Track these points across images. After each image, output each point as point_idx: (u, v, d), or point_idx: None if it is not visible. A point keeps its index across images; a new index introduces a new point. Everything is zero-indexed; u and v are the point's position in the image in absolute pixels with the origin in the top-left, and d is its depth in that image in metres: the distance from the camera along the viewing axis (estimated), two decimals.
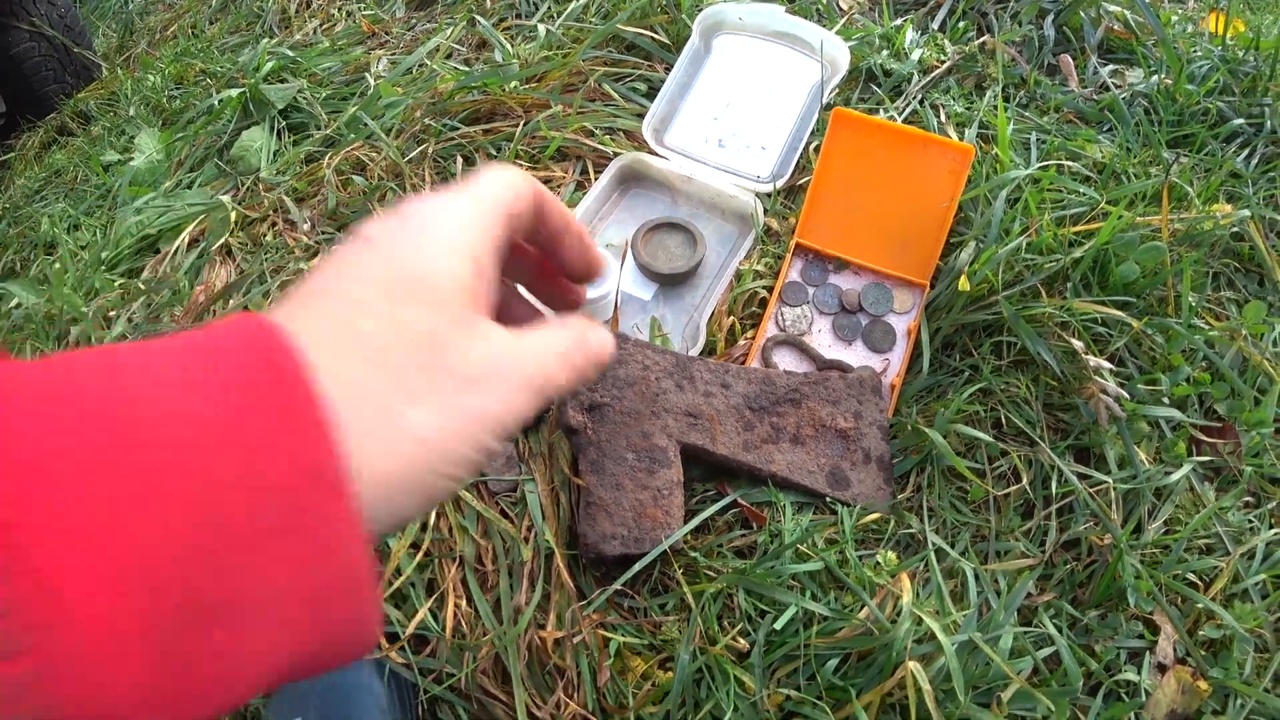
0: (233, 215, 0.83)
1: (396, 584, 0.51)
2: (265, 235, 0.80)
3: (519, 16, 0.88)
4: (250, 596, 0.17)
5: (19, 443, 0.15)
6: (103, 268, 0.90)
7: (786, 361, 0.57)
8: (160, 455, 0.16)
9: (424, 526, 0.52)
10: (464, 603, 0.51)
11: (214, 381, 0.18)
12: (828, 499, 0.52)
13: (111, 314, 0.82)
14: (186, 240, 0.85)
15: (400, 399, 0.20)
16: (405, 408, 0.20)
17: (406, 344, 0.21)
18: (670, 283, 0.61)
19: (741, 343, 0.58)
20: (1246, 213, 0.62)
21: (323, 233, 0.75)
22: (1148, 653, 0.49)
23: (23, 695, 0.14)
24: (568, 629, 0.48)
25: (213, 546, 0.17)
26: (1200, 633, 0.49)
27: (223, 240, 0.82)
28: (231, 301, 0.73)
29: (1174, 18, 0.84)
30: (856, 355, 0.58)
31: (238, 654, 0.17)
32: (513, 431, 0.23)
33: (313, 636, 0.19)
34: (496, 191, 0.25)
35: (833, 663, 0.46)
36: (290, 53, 1.00)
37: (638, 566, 0.49)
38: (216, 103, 1.02)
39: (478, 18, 0.87)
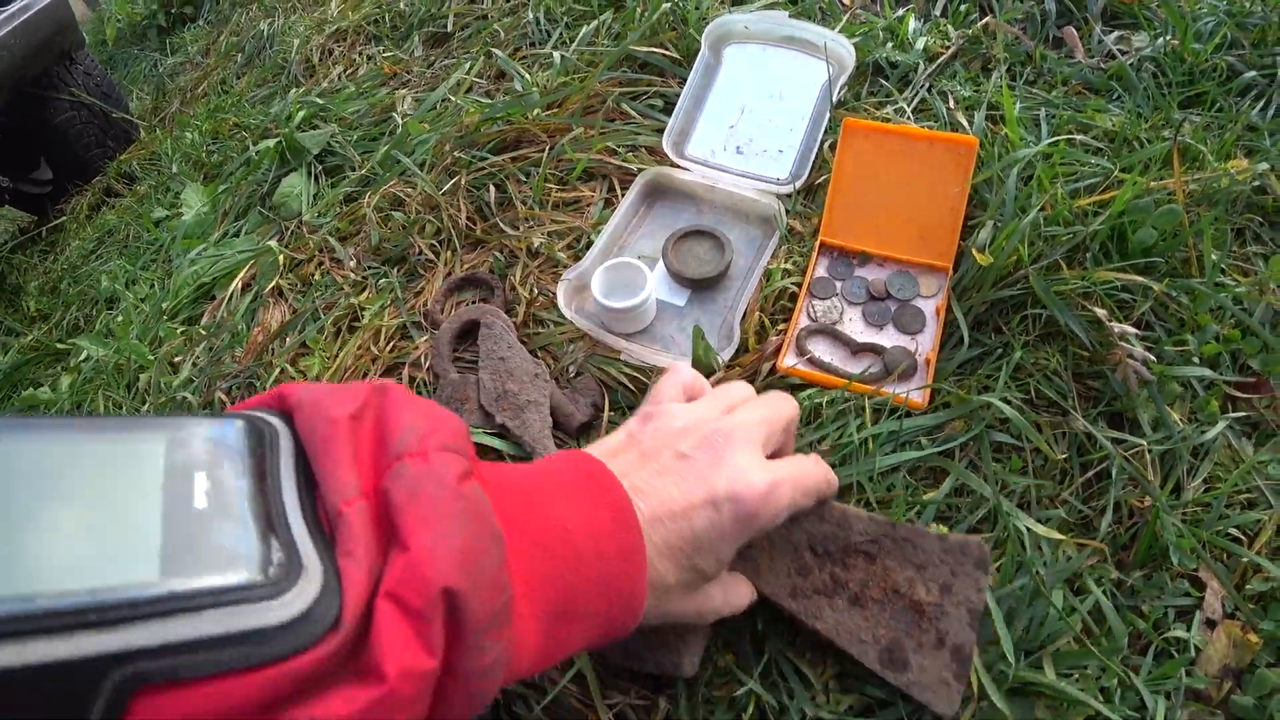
0: (281, 258, 0.88)
1: None
2: (314, 275, 0.85)
3: (533, 45, 0.92)
4: (582, 611, 0.32)
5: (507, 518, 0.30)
6: (164, 317, 0.96)
7: (821, 349, 0.60)
8: (557, 544, 0.31)
9: None
10: None
11: (586, 504, 0.33)
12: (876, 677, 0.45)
13: (177, 360, 0.88)
14: (240, 285, 0.91)
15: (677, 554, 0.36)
16: (668, 590, 0.36)
17: (680, 588, 0.37)
18: (702, 287, 0.64)
19: (773, 337, 0.60)
20: (1265, 165, 0.63)
21: (369, 267, 0.79)
22: (1197, 611, 0.50)
23: (499, 667, 0.28)
24: None
25: (574, 586, 0.31)
26: (1248, 587, 0.50)
27: (274, 283, 0.87)
28: (289, 339, 0.78)
29: None
30: (888, 338, 0.60)
31: (572, 636, 0.32)
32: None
33: (602, 634, 0.34)
34: (810, 496, 0.42)
35: None
36: (319, 100, 1.05)
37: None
38: (254, 154, 1.07)
39: (494, 50, 0.91)
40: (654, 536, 0.34)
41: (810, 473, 0.41)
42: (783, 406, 0.43)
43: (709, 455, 0.37)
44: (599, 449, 0.39)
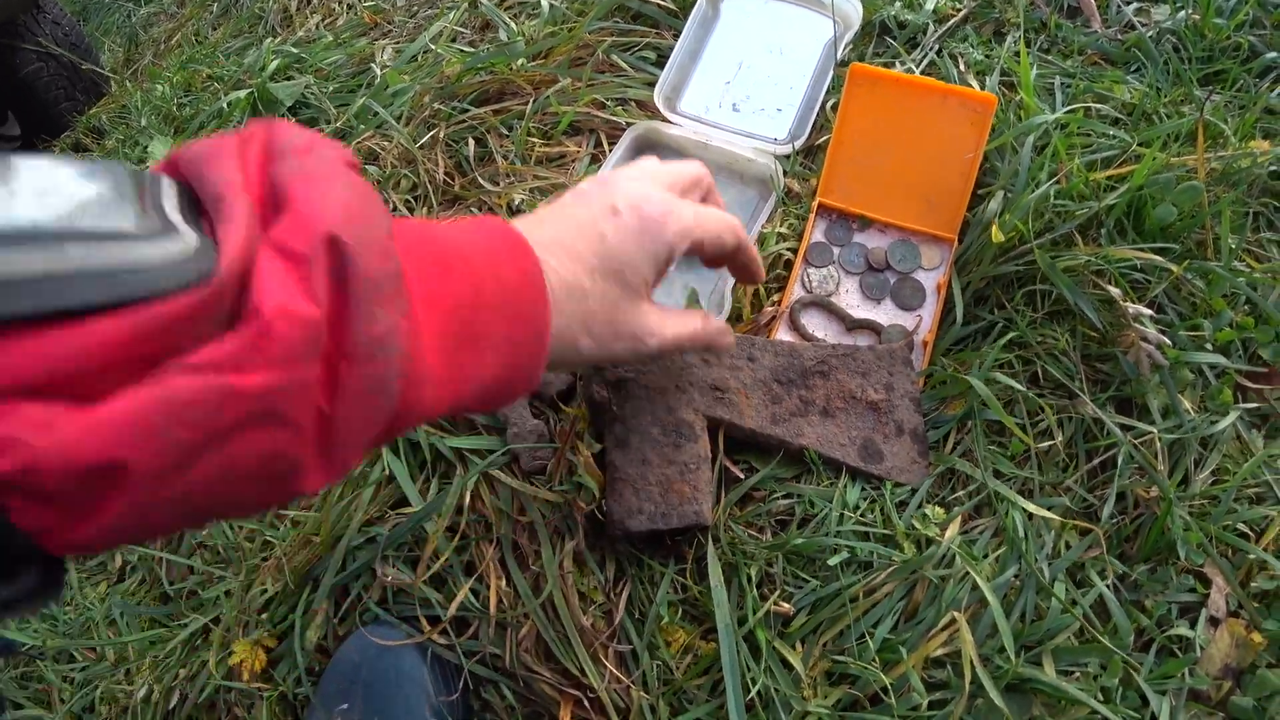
0: None
1: (435, 567, 0.51)
2: None
3: None
4: (486, 335, 0.31)
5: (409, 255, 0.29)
6: None
7: (815, 323, 0.56)
8: (456, 262, 0.31)
9: (459, 509, 0.52)
10: (503, 582, 0.51)
11: (481, 236, 0.33)
12: (860, 473, 0.50)
13: None
14: None
15: (584, 281, 0.36)
16: (586, 293, 0.36)
17: (601, 295, 0.37)
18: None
19: (768, 307, 0.57)
20: None
21: None
22: (1202, 608, 0.48)
23: (393, 350, 0.26)
24: (602, 590, 0.48)
25: (475, 305, 0.31)
26: (1253, 584, 0.48)
27: None
28: None
29: None
30: (886, 313, 0.57)
31: (477, 364, 0.31)
32: (636, 357, 0.40)
33: (510, 366, 0.33)
34: (712, 232, 0.41)
35: (878, 614, 0.45)
36: (294, 50, 1.00)
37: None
38: (226, 105, 1.02)
39: None
40: (562, 248, 0.36)
41: (713, 213, 0.42)
42: (686, 165, 0.44)
43: (606, 185, 0.39)
44: None
